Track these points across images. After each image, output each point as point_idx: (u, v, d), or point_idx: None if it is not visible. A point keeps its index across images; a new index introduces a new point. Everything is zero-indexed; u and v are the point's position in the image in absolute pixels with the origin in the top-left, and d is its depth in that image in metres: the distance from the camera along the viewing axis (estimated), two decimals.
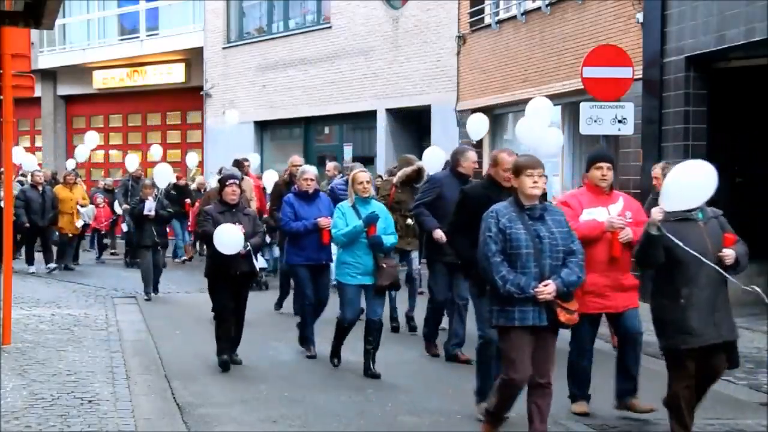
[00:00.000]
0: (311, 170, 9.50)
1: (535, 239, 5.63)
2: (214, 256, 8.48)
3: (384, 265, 8.22)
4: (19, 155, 19.12)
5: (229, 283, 8.61)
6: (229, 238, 8.26)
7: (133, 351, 9.36)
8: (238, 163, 14.58)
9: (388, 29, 19.60)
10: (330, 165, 14.16)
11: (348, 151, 21.09)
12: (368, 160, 19.11)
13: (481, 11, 17.26)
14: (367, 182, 8.33)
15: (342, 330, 8.56)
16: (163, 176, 15.75)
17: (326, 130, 22.76)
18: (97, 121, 29.64)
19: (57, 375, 7.95)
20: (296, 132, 22.97)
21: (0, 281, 9.47)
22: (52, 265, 16.55)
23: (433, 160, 11.21)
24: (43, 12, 8.09)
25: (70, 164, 25.00)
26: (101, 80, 28.04)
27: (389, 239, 8.27)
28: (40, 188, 16.57)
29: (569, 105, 14.69)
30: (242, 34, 24.38)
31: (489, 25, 16.90)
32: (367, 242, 8.17)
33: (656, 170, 9.47)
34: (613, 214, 6.81)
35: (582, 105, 11.54)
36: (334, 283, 9.10)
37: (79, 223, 17.26)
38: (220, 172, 16.21)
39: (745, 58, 11.58)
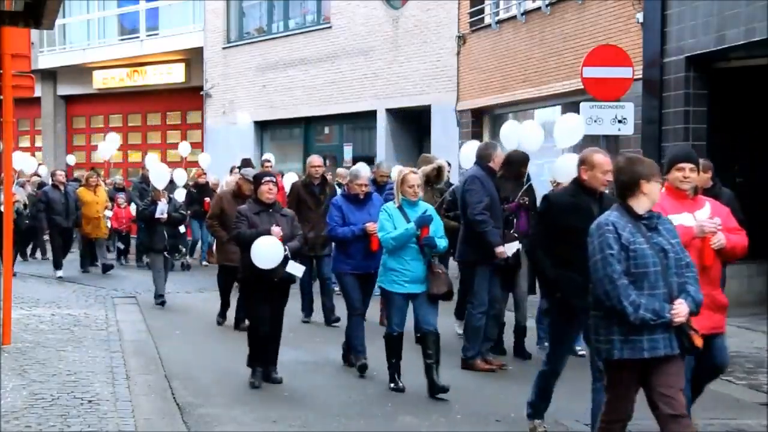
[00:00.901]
0: (365, 173, 8.71)
1: (659, 254, 4.94)
2: (249, 261, 7.77)
3: (439, 271, 7.62)
4: (17, 159, 18.94)
5: (267, 290, 7.93)
6: (268, 252, 7.67)
7: (133, 351, 9.36)
8: (247, 163, 14.26)
9: (388, 29, 19.60)
10: (341, 170, 13.89)
11: (348, 151, 21.09)
12: (368, 160, 19.09)
13: (481, 11, 17.26)
14: (418, 186, 7.69)
15: (393, 344, 7.76)
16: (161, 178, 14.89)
17: (326, 130, 22.76)
18: (97, 121, 29.66)
19: (57, 375, 7.95)
20: (296, 132, 22.97)
21: (0, 281, 9.47)
22: (60, 273, 15.63)
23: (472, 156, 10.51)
24: (43, 12, 8.09)
25: (70, 159, 25.00)
26: (101, 80, 28.06)
27: (442, 242, 7.67)
28: (62, 188, 15.86)
29: (569, 105, 14.69)
30: (242, 34, 24.39)
31: (489, 25, 16.90)
32: (420, 245, 7.57)
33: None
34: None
35: (582, 105, 11.55)
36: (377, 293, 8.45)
37: (107, 222, 16.77)
38: (232, 171, 15.89)
39: (745, 58, 11.58)
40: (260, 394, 7.72)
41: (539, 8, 15.32)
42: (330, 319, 10.93)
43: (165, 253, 12.55)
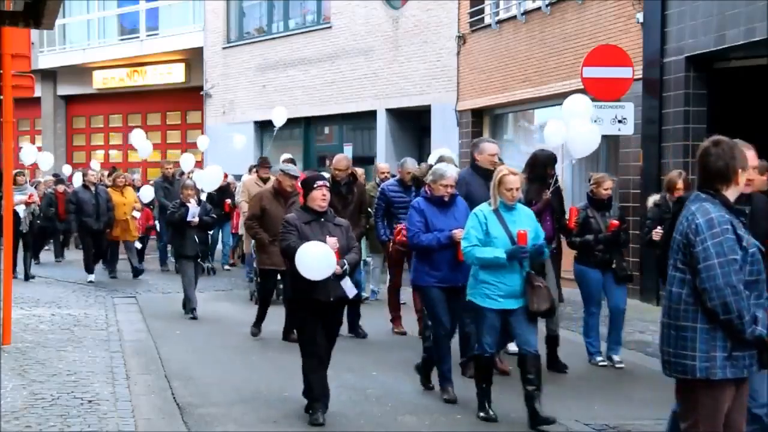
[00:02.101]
0: (452, 173, 7.53)
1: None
2: (299, 278, 6.64)
3: (539, 285, 6.72)
4: (30, 153, 18.19)
5: (320, 311, 6.83)
6: (317, 259, 6.54)
7: (133, 351, 9.36)
8: (264, 161, 13.66)
9: (388, 29, 19.60)
10: (382, 165, 13.13)
11: (348, 151, 21.09)
12: (368, 161, 19.11)
13: (481, 11, 17.26)
14: (517, 189, 6.79)
15: (484, 366, 6.91)
16: (212, 181, 13.19)
17: (326, 130, 22.77)
18: (97, 121, 29.70)
19: (57, 375, 7.94)
20: (296, 132, 22.97)
21: (0, 281, 9.47)
22: (91, 277, 14.85)
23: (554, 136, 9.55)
24: (43, 12, 8.07)
25: (95, 165, 24.03)
26: (101, 80, 28.08)
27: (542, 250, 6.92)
28: (93, 188, 14.99)
29: None
30: (242, 34, 24.39)
31: (489, 25, 16.90)
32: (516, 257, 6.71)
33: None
34: None
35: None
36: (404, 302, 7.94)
37: (136, 215, 15.88)
38: (250, 171, 15.34)
39: (745, 58, 11.58)
40: (260, 394, 7.71)
41: (539, 8, 15.32)
42: (359, 333, 10.11)
43: (197, 259, 11.65)
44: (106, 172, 19.86)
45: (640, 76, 12.51)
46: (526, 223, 6.82)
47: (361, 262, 12.74)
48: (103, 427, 6.44)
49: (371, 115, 20.07)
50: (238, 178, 16.76)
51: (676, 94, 12.19)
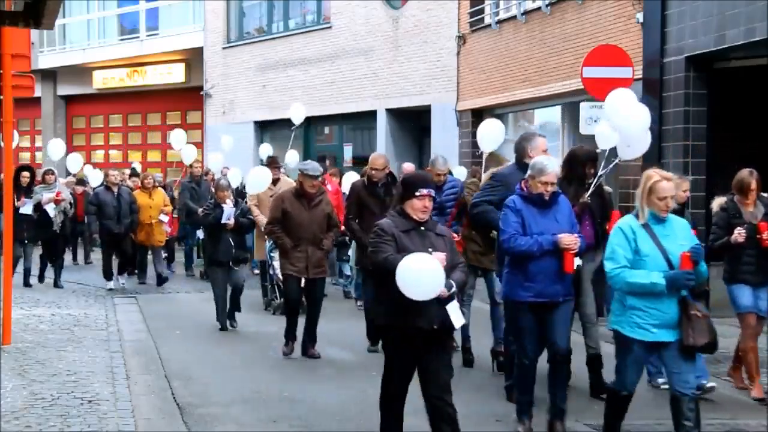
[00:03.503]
0: (553, 167, 6.53)
1: None
2: (393, 299, 5.49)
3: (698, 314, 5.64)
4: (56, 147, 17.27)
5: (420, 343, 5.65)
6: (425, 276, 5.39)
7: (133, 351, 9.36)
8: (273, 161, 12.92)
9: (388, 29, 19.60)
10: (407, 165, 12.35)
11: (348, 151, 21.11)
12: (368, 161, 19.11)
13: (481, 11, 17.27)
14: (671, 198, 5.77)
15: (618, 404, 6.05)
16: (260, 183, 11.89)
17: (326, 130, 22.77)
18: (97, 121, 29.70)
19: (57, 375, 7.95)
20: (296, 132, 22.97)
21: (0, 281, 9.47)
22: (122, 280, 14.35)
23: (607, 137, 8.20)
24: (43, 12, 8.08)
25: (137, 166, 23.41)
26: (101, 80, 28.08)
27: (703, 268, 5.78)
28: (115, 190, 14.21)
29: (569, 105, 14.70)
30: (242, 34, 24.40)
31: (489, 25, 16.90)
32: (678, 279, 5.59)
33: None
34: None
35: (582, 105, 11.55)
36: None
37: (167, 228, 15.07)
38: (269, 164, 13.20)
39: (745, 58, 11.58)
40: (260, 394, 7.71)
41: (539, 8, 15.32)
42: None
43: (232, 265, 10.81)
44: (127, 172, 19.47)
45: (640, 76, 12.51)
46: (681, 237, 5.74)
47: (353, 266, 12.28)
48: (103, 427, 6.44)
49: (371, 115, 20.07)
50: None
51: (676, 94, 12.19)
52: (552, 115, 16.00)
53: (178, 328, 10.88)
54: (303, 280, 9.31)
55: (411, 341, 5.61)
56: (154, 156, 27.95)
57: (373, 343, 9.32)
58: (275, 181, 12.14)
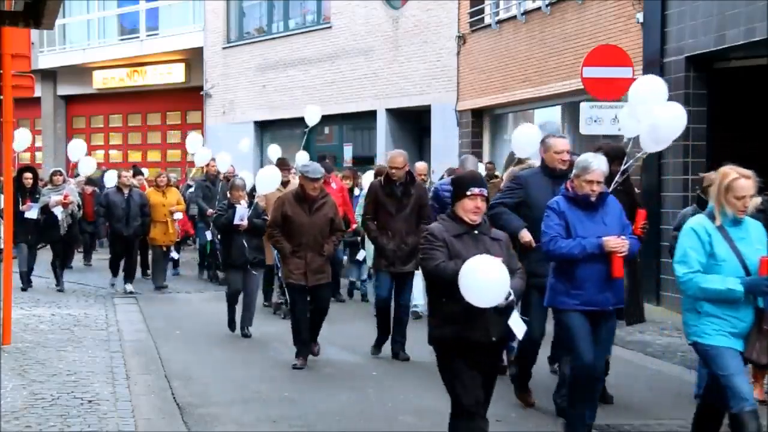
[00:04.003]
0: (599, 165, 6.04)
1: None
2: (450, 310, 5.13)
3: None
4: (79, 149, 16.49)
5: (478, 355, 5.21)
6: (491, 281, 4.94)
7: (133, 351, 9.35)
8: (283, 162, 12.50)
9: (388, 29, 19.61)
10: (420, 165, 11.82)
11: (348, 151, 21.12)
12: (368, 161, 19.12)
13: (481, 11, 17.27)
14: (750, 197, 5.33)
15: (710, 419, 5.55)
16: (271, 183, 11.05)
17: (326, 130, 22.78)
18: (97, 121, 29.71)
19: (57, 375, 7.94)
20: (296, 132, 22.99)
21: (0, 281, 9.47)
22: (129, 287, 13.53)
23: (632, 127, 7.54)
24: (43, 12, 8.07)
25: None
26: (101, 80, 28.10)
27: None
28: (126, 191, 13.76)
29: (569, 105, 14.70)
30: (242, 34, 24.40)
31: (489, 25, 16.91)
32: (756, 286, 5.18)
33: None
34: None
35: (582, 105, 11.55)
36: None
37: (177, 218, 14.49)
38: (279, 166, 12.60)
39: (745, 58, 11.58)
40: (260, 394, 7.71)
41: (539, 8, 15.33)
42: (399, 355, 9.00)
43: (250, 268, 10.27)
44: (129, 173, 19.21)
45: (640, 76, 12.50)
46: (756, 240, 5.33)
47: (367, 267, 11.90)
48: (103, 427, 6.44)
49: (371, 115, 20.08)
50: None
51: (676, 94, 12.16)
52: (552, 115, 16.01)
53: (178, 328, 10.87)
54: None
55: (466, 354, 5.13)
56: (154, 156, 27.96)
57: (376, 348, 9.17)
58: (285, 184, 11.72)
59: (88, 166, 16.65)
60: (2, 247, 10.15)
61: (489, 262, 4.93)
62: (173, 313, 11.95)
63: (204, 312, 11.72)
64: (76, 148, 16.62)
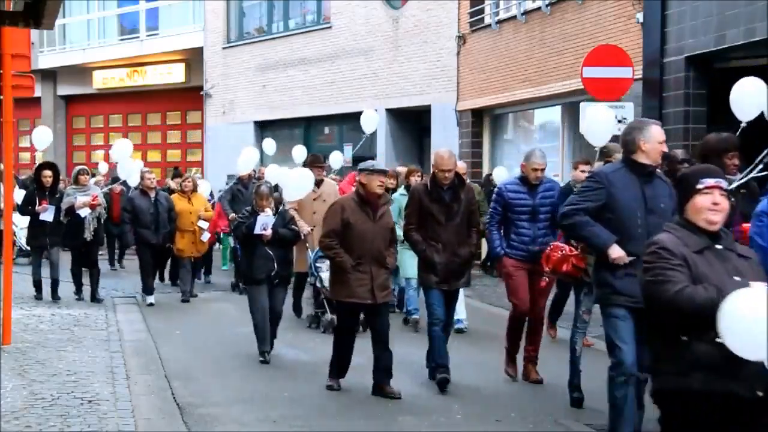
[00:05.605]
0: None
1: None
2: (701, 353, 3.90)
3: None
4: (123, 149, 13.48)
5: (732, 417, 3.98)
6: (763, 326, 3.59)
7: (133, 351, 9.35)
8: (315, 159, 11.55)
9: (388, 29, 19.61)
10: (460, 165, 10.64)
11: (348, 151, 21.10)
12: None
13: (481, 11, 17.27)
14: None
15: None
16: (302, 188, 10.20)
17: (326, 130, 22.79)
18: (97, 121, 29.71)
19: (57, 375, 7.94)
20: (296, 132, 23.00)
21: (0, 281, 9.47)
22: (150, 298, 12.57)
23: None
24: (43, 12, 8.07)
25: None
26: (101, 80, 28.10)
27: None
28: (152, 195, 12.70)
29: (569, 105, 14.71)
30: (242, 34, 24.41)
31: (489, 25, 16.91)
32: None
33: None
34: None
35: (582, 105, 11.55)
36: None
37: (205, 237, 13.33)
38: (311, 164, 11.41)
39: (745, 58, 11.58)
40: (260, 394, 7.71)
41: (539, 8, 15.33)
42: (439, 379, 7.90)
43: (274, 282, 9.09)
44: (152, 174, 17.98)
45: (640, 76, 12.51)
46: None
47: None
48: (103, 427, 6.43)
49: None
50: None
51: (676, 94, 12.19)
52: (552, 115, 16.02)
53: (178, 328, 10.88)
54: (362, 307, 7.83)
55: (722, 412, 3.90)
56: (154, 156, 27.95)
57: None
58: (318, 183, 10.75)
59: (131, 171, 13.42)
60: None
61: (761, 298, 3.51)
62: (173, 313, 11.95)
63: (204, 312, 11.73)
64: (122, 148, 13.60)
